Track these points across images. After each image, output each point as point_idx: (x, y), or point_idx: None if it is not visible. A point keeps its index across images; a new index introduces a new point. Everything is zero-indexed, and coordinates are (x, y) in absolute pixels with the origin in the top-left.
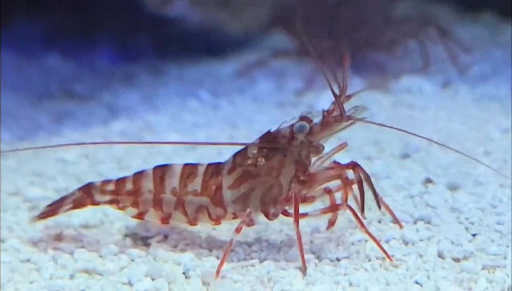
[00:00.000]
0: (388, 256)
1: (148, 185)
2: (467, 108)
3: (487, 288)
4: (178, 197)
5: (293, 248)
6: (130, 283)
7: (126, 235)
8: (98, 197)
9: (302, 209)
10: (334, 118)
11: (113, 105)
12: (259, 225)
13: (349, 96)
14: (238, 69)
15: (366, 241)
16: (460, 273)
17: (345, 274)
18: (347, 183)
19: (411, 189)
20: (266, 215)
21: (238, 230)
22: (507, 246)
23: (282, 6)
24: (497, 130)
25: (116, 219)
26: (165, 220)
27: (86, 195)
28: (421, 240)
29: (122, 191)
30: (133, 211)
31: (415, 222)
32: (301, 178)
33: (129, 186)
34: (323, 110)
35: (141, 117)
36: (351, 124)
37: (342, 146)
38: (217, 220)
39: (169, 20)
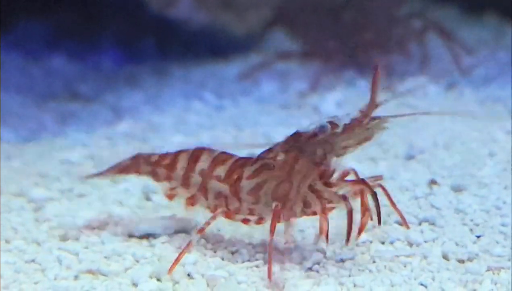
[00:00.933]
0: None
1: (183, 161)
2: (472, 110)
3: (492, 289)
4: (203, 179)
5: (298, 249)
6: (134, 284)
7: (130, 236)
8: (142, 167)
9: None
10: (356, 123)
11: (117, 106)
12: (262, 226)
13: (376, 105)
14: (242, 71)
15: (370, 242)
16: (464, 275)
17: (349, 275)
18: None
19: (416, 190)
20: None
21: (271, 231)
22: None
23: (285, 7)
24: (501, 131)
25: (120, 219)
26: (191, 201)
27: (133, 163)
28: (425, 242)
29: (162, 163)
30: (166, 185)
31: (420, 223)
32: (316, 186)
33: (169, 159)
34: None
35: (146, 119)
36: (372, 131)
37: (378, 178)
38: (233, 213)
39: (173, 21)
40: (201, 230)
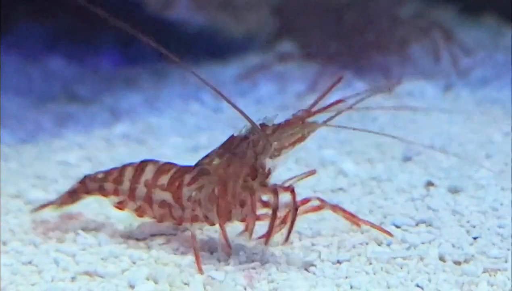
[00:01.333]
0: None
1: (129, 174)
2: (469, 111)
3: None
4: (148, 189)
5: (295, 250)
6: (131, 286)
7: (127, 238)
8: (90, 185)
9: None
10: (286, 124)
11: (115, 108)
12: (260, 227)
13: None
14: (240, 73)
15: (367, 243)
16: (461, 276)
17: (346, 277)
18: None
19: (413, 191)
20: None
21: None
22: (508, 249)
23: (286, 10)
24: (498, 133)
25: (117, 221)
26: (138, 213)
27: (81, 185)
28: (422, 243)
29: (109, 178)
30: (115, 199)
31: (416, 225)
32: (249, 185)
33: (115, 174)
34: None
35: (144, 120)
36: (302, 133)
37: (312, 172)
38: (179, 221)
39: (171, 23)
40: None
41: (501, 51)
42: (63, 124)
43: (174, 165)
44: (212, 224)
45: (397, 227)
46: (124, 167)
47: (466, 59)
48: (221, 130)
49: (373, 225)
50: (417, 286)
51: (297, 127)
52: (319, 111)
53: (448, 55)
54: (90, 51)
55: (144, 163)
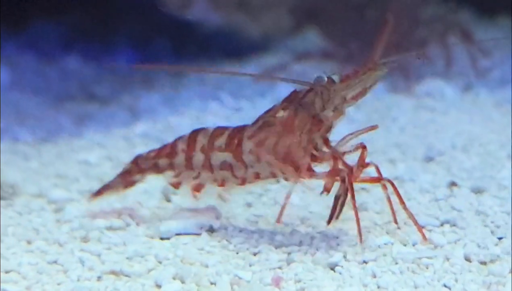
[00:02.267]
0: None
1: (182, 145)
2: (488, 112)
3: None
4: (205, 154)
5: (320, 250)
6: (158, 285)
7: (152, 237)
8: (143, 164)
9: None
10: (352, 73)
11: (134, 107)
12: (284, 227)
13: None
14: (261, 72)
15: (392, 244)
16: (487, 276)
17: (373, 277)
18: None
19: (436, 192)
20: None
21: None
22: None
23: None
24: None
25: (141, 221)
26: (196, 188)
27: (134, 165)
28: (448, 243)
29: (162, 154)
30: (170, 174)
31: (441, 225)
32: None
33: (167, 149)
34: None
35: (163, 119)
36: (368, 82)
37: (373, 127)
38: (242, 181)
39: (189, 22)
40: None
41: None
42: (83, 124)
43: (226, 127)
44: (276, 179)
45: (422, 227)
46: (175, 141)
47: (485, 60)
48: None
49: (414, 220)
50: (444, 286)
51: (363, 76)
52: (383, 62)
53: (467, 56)
54: (107, 50)
55: (195, 132)
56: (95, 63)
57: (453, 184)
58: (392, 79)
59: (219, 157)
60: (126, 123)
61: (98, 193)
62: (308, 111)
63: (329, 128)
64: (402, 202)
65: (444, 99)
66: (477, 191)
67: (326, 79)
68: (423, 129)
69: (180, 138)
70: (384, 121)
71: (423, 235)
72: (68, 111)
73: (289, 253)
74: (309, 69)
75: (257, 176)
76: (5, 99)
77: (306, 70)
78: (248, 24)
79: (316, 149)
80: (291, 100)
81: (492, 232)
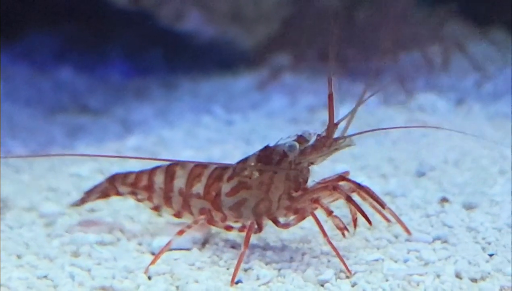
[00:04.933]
0: (348, 269)
1: (159, 182)
2: (481, 126)
3: None
4: (184, 198)
5: (311, 266)
6: None
7: (143, 252)
8: (120, 188)
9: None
10: (322, 143)
11: (126, 120)
12: (274, 242)
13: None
14: (260, 80)
15: (383, 260)
16: None
17: None
18: (342, 193)
19: (428, 208)
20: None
21: (245, 244)
22: None
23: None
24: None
25: (132, 236)
26: (178, 215)
27: (111, 185)
28: (438, 260)
29: (139, 185)
30: (149, 204)
31: (432, 241)
32: (293, 195)
33: (145, 180)
34: (317, 134)
35: (155, 133)
36: (337, 149)
37: (346, 174)
38: (222, 221)
39: (182, 34)
40: (181, 232)
41: (510, 66)
42: (75, 136)
43: (204, 166)
44: (242, 230)
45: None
46: (152, 172)
47: (476, 74)
48: (233, 143)
49: (396, 216)
50: None
51: (325, 150)
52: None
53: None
54: (99, 62)
55: (170, 168)
56: (88, 74)
57: (444, 199)
58: (385, 92)
59: (198, 203)
60: (118, 136)
61: (81, 201)
62: (283, 174)
63: (305, 181)
64: (380, 202)
65: (436, 113)
66: (469, 206)
67: (298, 148)
68: (415, 143)
69: (156, 169)
70: (376, 136)
71: (406, 229)
72: (60, 123)
73: (279, 269)
74: (302, 83)
75: (237, 221)
76: None
77: (299, 83)
78: (241, 36)
79: (293, 200)
80: (265, 162)
81: (483, 249)
